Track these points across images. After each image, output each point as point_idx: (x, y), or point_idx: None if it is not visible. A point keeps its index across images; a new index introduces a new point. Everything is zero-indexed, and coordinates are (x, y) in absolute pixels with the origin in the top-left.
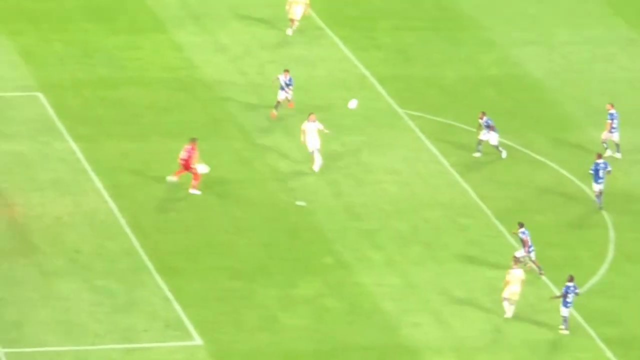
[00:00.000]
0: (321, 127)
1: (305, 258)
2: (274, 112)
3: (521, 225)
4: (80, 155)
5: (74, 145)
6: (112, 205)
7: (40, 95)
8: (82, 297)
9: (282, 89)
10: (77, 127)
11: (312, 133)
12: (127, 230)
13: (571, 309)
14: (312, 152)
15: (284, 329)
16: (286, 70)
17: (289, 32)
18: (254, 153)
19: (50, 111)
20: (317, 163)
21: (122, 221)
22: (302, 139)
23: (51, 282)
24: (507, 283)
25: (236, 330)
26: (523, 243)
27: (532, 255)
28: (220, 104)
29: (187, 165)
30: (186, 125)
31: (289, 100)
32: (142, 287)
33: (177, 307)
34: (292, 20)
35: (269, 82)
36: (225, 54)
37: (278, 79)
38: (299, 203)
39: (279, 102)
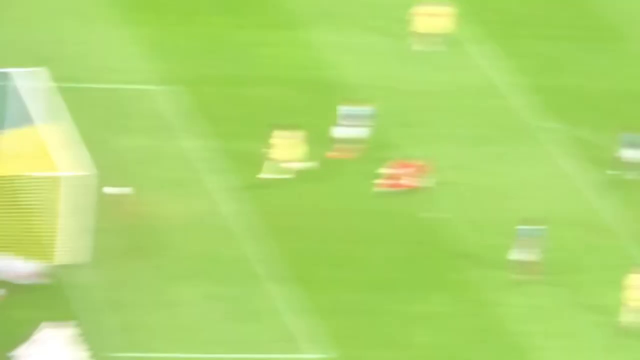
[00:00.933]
0: None
1: (431, 273)
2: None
3: None
4: (198, 154)
5: (193, 144)
6: (229, 209)
7: (161, 89)
8: (195, 303)
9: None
10: (198, 125)
11: None
12: (243, 236)
13: None
14: None
15: (409, 346)
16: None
17: (418, 46)
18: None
19: (171, 107)
20: None
21: (239, 227)
22: None
23: (165, 286)
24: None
25: (358, 344)
26: None
27: None
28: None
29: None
30: (314, 128)
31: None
32: (255, 296)
33: (290, 316)
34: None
35: (399, 85)
36: (356, 55)
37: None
38: (425, 215)
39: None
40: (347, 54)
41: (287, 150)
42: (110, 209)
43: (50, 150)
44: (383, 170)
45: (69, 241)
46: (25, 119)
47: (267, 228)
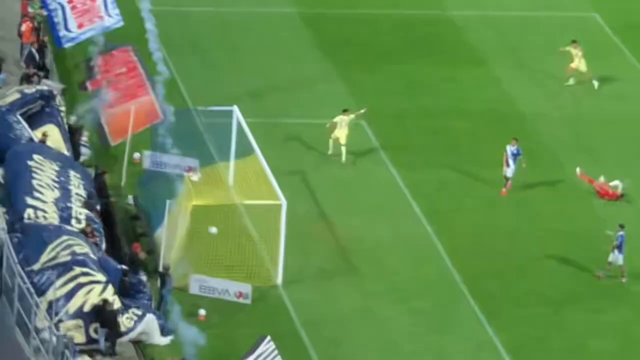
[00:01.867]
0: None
1: (611, 286)
2: (504, 190)
3: None
4: (400, 181)
5: (395, 172)
6: (429, 230)
7: (364, 124)
8: (399, 318)
9: (510, 163)
10: (399, 155)
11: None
12: (444, 254)
13: None
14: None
15: (592, 355)
16: (515, 139)
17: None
18: (568, 185)
19: (374, 139)
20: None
21: (439, 246)
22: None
23: (370, 302)
24: None
25: (545, 355)
26: None
27: None
28: (535, 137)
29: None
30: (501, 156)
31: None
32: (457, 310)
33: (489, 329)
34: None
35: (584, 117)
36: (541, 88)
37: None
38: (608, 232)
39: (507, 179)
40: (532, 87)
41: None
42: (317, 232)
43: (263, 180)
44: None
45: (282, 263)
46: (236, 151)
47: (464, 247)
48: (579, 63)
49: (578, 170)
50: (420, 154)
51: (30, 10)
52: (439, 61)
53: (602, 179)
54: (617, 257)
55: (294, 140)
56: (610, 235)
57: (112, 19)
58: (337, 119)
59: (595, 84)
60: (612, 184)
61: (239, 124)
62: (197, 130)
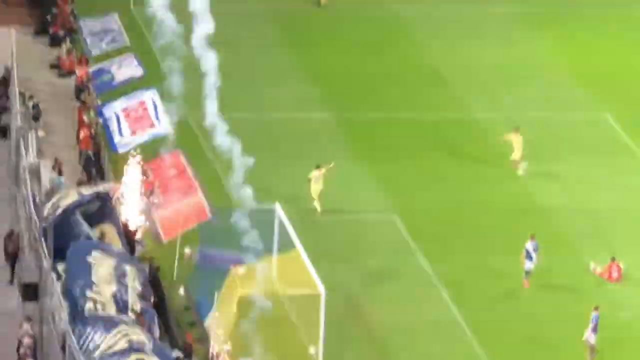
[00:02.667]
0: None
1: None
2: (526, 282)
3: None
4: (429, 270)
5: (424, 261)
6: (456, 314)
7: (396, 217)
8: None
9: (529, 257)
10: (427, 246)
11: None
12: (470, 336)
13: None
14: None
15: None
16: (532, 235)
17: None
18: (585, 273)
19: (404, 231)
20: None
21: (467, 331)
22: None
23: None
24: None
25: None
26: None
27: None
28: (553, 229)
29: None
30: (523, 245)
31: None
32: None
33: None
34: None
35: (600, 209)
36: (558, 183)
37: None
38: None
39: (527, 272)
40: (549, 182)
41: None
42: (353, 320)
43: (304, 272)
44: None
45: (322, 350)
46: (279, 246)
47: (493, 333)
48: (518, 150)
49: (592, 265)
50: (447, 245)
51: (85, 118)
52: (464, 159)
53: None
54: (590, 336)
55: (330, 234)
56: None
57: (162, 126)
58: (311, 175)
59: (522, 170)
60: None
61: (280, 221)
62: (242, 227)
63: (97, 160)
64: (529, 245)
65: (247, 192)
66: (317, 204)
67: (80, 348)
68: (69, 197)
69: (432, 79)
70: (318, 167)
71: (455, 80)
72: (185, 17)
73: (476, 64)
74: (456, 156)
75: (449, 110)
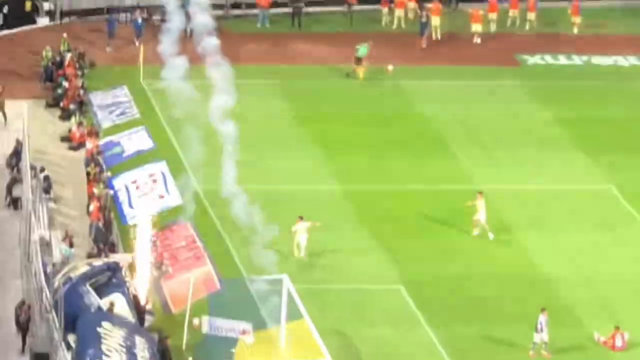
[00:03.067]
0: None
1: None
2: (532, 353)
3: None
4: (435, 340)
5: (430, 331)
6: None
7: (402, 288)
8: None
9: (539, 330)
10: (434, 315)
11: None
12: None
13: None
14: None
15: None
16: (543, 309)
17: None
18: (590, 342)
19: (411, 301)
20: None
21: None
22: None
23: None
24: None
25: None
26: None
27: None
28: (557, 299)
29: None
30: (529, 315)
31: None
32: None
33: None
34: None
35: (603, 279)
36: (563, 255)
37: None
38: None
39: (534, 343)
40: (554, 253)
41: None
42: None
43: (311, 341)
44: None
45: None
46: (286, 315)
47: None
48: (481, 214)
49: (596, 334)
50: (452, 315)
51: (95, 191)
52: (470, 231)
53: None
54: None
55: (337, 303)
56: None
57: (171, 197)
58: (294, 228)
59: (491, 235)
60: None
61: (288, 291)
62: (250, 297)
63: (107, 231)
64: (541, 318)
65: (268, 258)
66: (297, 252)
67: None
68: (79, 268)
69: (438, 151)
70: (301, 217)
71: (461, 152)
72: (195, 90)
73: (482, 136)
74: (461, 227)
75: (454, 182)
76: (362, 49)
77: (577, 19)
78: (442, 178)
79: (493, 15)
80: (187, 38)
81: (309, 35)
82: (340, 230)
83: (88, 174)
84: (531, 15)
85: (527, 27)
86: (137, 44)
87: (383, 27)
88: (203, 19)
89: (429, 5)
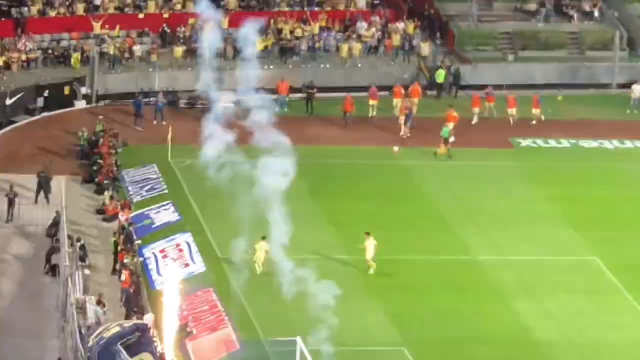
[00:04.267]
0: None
1: None
2: None
3: None
4: None
5: None
6: None
7: (405, 349)
8: None
9: None
10: None
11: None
12: None
13: None
14: None
15: None
16: None
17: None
18: None
19: None
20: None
21: None
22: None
23: None
24: None
25: None
26: None
27: None
28: None
29: None
30: None
31: None
32: None
33: None
34: None
35: (589, 344)
36: (553, 320)
37: None
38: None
39: None
40: (544, 319)
41: None
42: None
43: None
44: None
45: None
46: None
47: None
48: (369, 253)
49: None
50: None
51: (126, 260)
52: (467, 297)
53: None
54: None
55: None
56: None
57: (197, 265)
58: (257, 246)
59: (372, 270)
60: None
61: (302, 353)
62: (267, 357)
63: (137, 296)
64: None
65: (272, 324)
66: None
67: None
68: (112, 329)
69: (439, 225)
70: (264, 238)
71: (460, 226)
72: (216, 166)
73: (478, 211)
74: (460, 294)
75: (453, 254)
76: (445, 130)
77: (537, 111)
78: (442, 250)
79: (491, 105)
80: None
81: (321, 118)
82: (349, 296)
83: (116, 243)
84: (512, 111)
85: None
86: (154, 123)
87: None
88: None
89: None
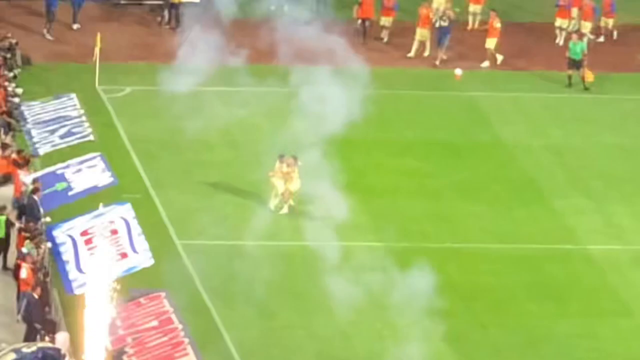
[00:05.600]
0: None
1: None
2: None
3: None
4: None
5: None
6: None
7: None
8: None
9: None
10: None
11: None
12: None
13: None
14: None
15: None
16: None
17: None
18: None
19: None
20: None
21: None
22: None
23: None
24: None
25: None
26: None
27: None
28: None
29: None
30: None
31: None
32: None
33: None
34: None
35: None
36: None
37: None
38: None
39: None
40: None
41: None
42: None
43: None
44: None
45: None
46: None
47: None
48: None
49: None
50: None
51: (26, 248)
52: (570, 309)
53: None
54: None
55: None
56: None
57: (140, 255)
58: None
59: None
60: None
61: None
62: None
63: (45, 305)
64: None
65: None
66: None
67: None
68: (3, 357)
69: (527, 197)
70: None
71: (561, 197)
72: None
73: (591, 175)
74: (559, 303)
75: (550, 241)
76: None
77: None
78: (533, 235)
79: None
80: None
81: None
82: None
83: (9, 220)
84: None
85: None
86: (74, 27)
87: None
88: None
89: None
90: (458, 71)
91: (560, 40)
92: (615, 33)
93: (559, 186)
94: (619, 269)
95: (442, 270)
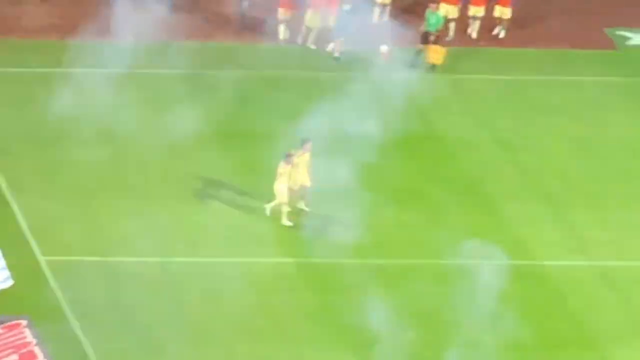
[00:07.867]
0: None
1: None
2: None
3: None
4: None
5: None
6: None
7: None
8: None
9: None
10: None
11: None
12: None
13: None
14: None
15: None
16: None
17: None
18: None
19: None
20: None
21: None
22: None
23: None
24: None
25: None
26: None
27: None
28: None
29: None
30: None
31: None
32: None
33: None
34: None
35: None
36: None
37: None
38: None
39: None
40: None
41: None
42: None
43: None
44: None
45: None
46: None
47: None
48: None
49: None
50: None
51: None
52: (522, 339)
53: None
54: None
55: None
56: None
57: None
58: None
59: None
60: None
61: None
62: None
63: None
64: None
65: None
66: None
67: None
68: None
69: (475, 201)
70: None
71: (513, 200)
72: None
73: (545, 173)
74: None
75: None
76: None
77: None
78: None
79: None
80: None
81: None
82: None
83: None
84: None
85: None
86: None
87: None
88: None
89: None
90: (384, 48)
91: None
92: None
93: (509, 188)
94: (582, 290)
95: (363, 290)
